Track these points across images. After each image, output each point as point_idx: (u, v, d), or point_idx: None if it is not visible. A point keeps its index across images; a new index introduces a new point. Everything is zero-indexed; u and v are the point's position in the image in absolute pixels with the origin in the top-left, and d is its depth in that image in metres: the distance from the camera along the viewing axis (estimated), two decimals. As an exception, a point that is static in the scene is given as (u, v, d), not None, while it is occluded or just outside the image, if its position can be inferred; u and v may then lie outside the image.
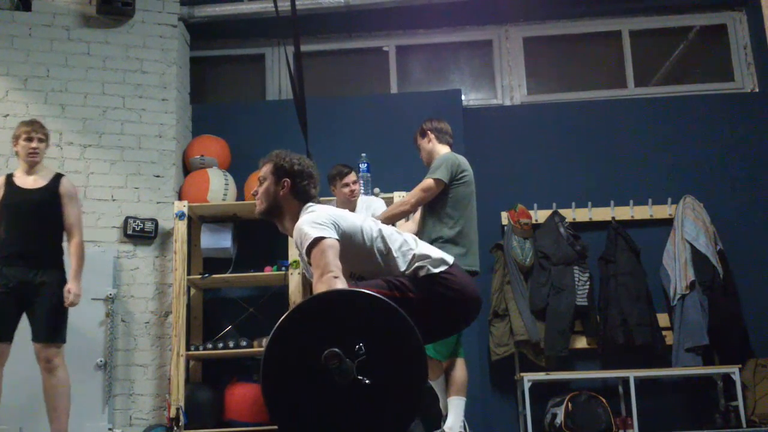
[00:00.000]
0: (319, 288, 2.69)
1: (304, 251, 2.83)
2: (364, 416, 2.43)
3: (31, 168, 4.70)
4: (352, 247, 2.91)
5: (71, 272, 4.60)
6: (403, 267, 2.96)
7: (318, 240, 2.76)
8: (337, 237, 2.82)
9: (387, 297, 2.62)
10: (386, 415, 2.45)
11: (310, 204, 3.05)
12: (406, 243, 3.02)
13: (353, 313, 2.49)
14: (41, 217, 4.62)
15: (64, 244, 4.72)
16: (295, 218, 2.99)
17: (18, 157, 4.76)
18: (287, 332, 2.45)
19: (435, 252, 3.05)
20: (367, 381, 2.37)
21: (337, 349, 2.37)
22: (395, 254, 2.97)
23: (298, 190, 3.06)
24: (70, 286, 4.55)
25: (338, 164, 5.29)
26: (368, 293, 2.54)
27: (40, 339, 4.47)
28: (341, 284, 2.68)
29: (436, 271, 2.96)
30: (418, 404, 2.52)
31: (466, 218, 4.43)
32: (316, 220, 2.85)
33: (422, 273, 2.95)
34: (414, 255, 2.98)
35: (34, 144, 4.67)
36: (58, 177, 4.75)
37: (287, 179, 3.06)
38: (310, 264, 2.82)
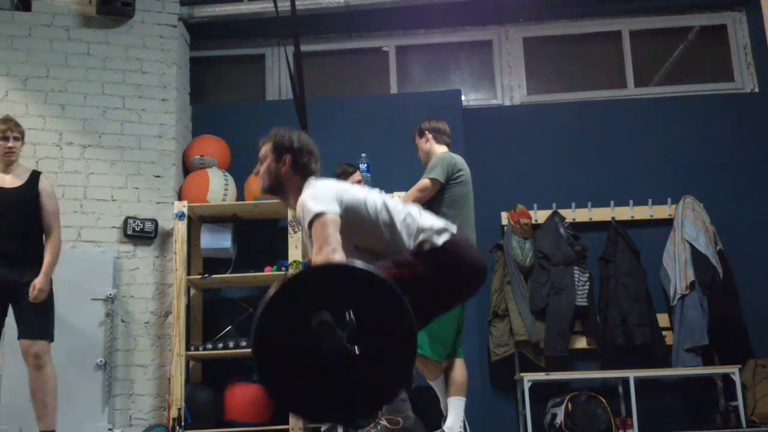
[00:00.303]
0: (316, 260, 2.70)
1: (305, 225, 2.84)
2: (351, 386, 2.43)
3: (7, 167, 4.66)
4: (356, 219, 2.91)
5: (43, 266, 4.52)
6: (407, 239, 2.96)
7: (319, 214, 2.77)
8: (338, 211, 2.82)
9: (394, 275, 2.63)
10: (373, 386, 2.46)
11: (312, 178, 3.06)
12: (410, 215, 3.02)
13: (345, 285, 2.48)
14: (22, 215, 4.59)
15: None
16: (298, 193, 3.00)
17: None
18: (280, 301, 2.46)
19: (438, 222, 3.05)
20: (356, 351, 2.37)
21: (327, 316, 2.37)
22: (399, 227, 2.96)
23: (299, 166, 3.08)
24: (37, 280, 4.46)
25: (343, 163, 5.30)
26: (362, 266, 2.54)
27: (29, 335, 4.45)
28: (339, 257, 2.69)
29: (441, 242, 2.95)
30: (406, 376, 2.53)
31: (463, 218, 4.43)
32: (318, 195, 2.85)
33: (427, 246, 2.94)
34: (418, 227, 2.98)
35: (10, 143, 4.63)
36: (35, 175, 4.72)
37: (288, 156, 3.09)
38: (311, 237, 2.84)
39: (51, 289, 4.57)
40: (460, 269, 2.99)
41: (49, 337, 4.54)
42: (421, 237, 2.96)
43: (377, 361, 2.44)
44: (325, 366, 2.39)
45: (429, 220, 3.06)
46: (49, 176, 5.06)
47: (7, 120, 4.72)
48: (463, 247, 3.04)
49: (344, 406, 2.47)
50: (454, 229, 3.07)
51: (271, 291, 2.47)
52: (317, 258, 2.70)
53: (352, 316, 2.40)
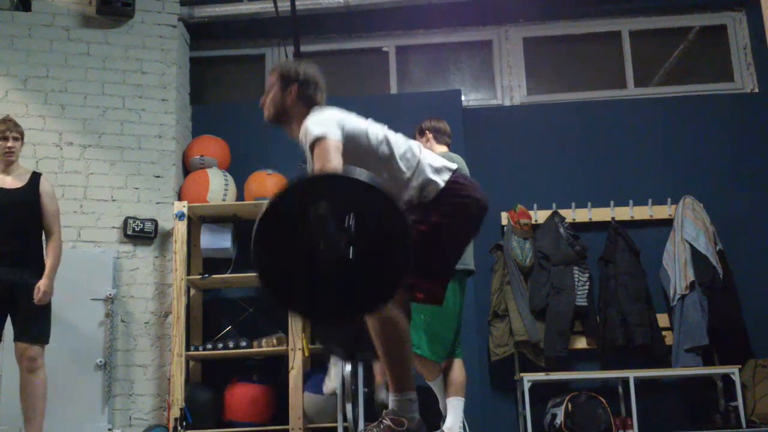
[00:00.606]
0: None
1: (307, 148, 2.84)
2: (347, 286, 2.45)
3: (7, 167, 4.67)
4: (356, 149, 2.89)
5: (46, 269, 4.55)
6: (407, 173, 2.93)
7: (320, 138, 2.76)
8: (340, 137, 2.81)
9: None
10: (368, 288, 2.48)
11: (316, 107, 3.06)
12: (411, 150, 2.99)
13: (345, 191, 2.49)
14: (23, 216, 4.60)
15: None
16: (302, 121, 2.98)
17: None
18: (281, 201, 2.48)
19: (438, 160, 3.03)
20: (352, 254, 2.38)
21: (325, 208, 2.39)
22: (398, 160, 2.94)
23: (305, 97, 3.08)
24: (42, 282, 4.48)
25: None
26: (362, 175, 2.53)
27: (26, 339, 4.46)
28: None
29: (443, 183, 2.94)
30: (400, 281, 2.54)
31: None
32: (321, 120, 2.85)
33: (432, 190, 2.93)
34: (419, 162, 2.96)
35: (9, 143, 4.63)
36: (36, 176, 4.74)
37: (294, 86, 3.08)
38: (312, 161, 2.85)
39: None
40: (468, 209, 3.00)
41: (45, 341, 4.55)
42: (422, 178, 2.93)
43: (374, 265, 2.45)
44: (322, 264, 2.40)
45: (431, 157, 3.04)
46: (49, 177, 5.05)
47: (6, 120, 4.72)
48: (466, 184, 3.04)
49: (340, 306, 2.50)
50: (453, 166, 3.05)
51: (273, 193, 2.52)
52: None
53: (351, 221, 2.40)
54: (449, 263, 3.08)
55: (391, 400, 2.78)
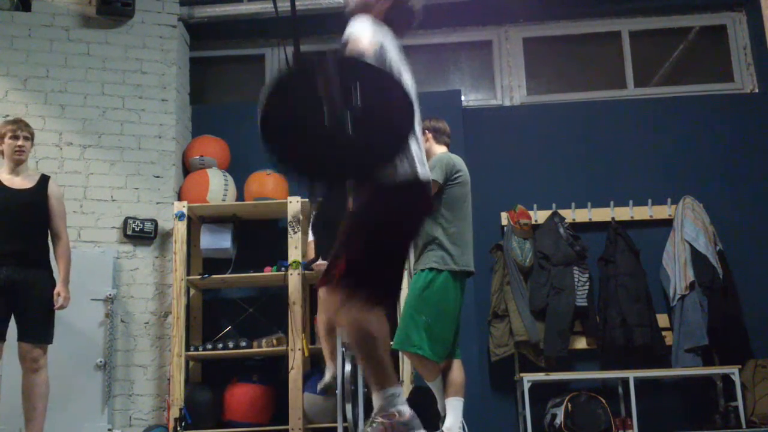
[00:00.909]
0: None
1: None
2: (349, 148, 2.48)
3: (17, 166, 4.70)
4: None
5: (61, 276, 4.62)
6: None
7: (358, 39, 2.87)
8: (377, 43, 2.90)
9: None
10: (370, 150, 2.54)
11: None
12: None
13: (351, 67, 2.56)
14: (30, 217, 4.64)
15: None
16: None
17: (2, 156, 4.74)
18: (288, 74, 2.57)
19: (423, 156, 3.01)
20: (347, 128, 2.42)
21: (332, 58, 2.44)
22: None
23: None
24: (60, 290, 4.57)
25: None
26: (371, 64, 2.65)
27: (30, 339, 4.50)
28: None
29: (422, 175, 2.88)
30: (400, 145, 2.63)
31: (462, 218, 4.43)
32: (367, 35, 2.97)
33: (409, 173, 2.86)
34: (416, 138, 2.96)
35: (20, 142, 4.67)
36: (45, 178, 4.77)
37: None
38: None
39: (51, 291, 4.60)
40: (423, 213, 2.99)
41: (48, 341, 4.59)
42: (409, 157, 2.89)
43: (375, 130, 2.50)
44: (326, 126, 2.41)
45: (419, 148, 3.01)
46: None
47: (18, 120, 4.78)
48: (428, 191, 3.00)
49: (343, 165, 2.55)
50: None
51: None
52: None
53: (356, 91, 2.44)
54: (378, 255, 2.85)
55: (376, 399, 2.78)
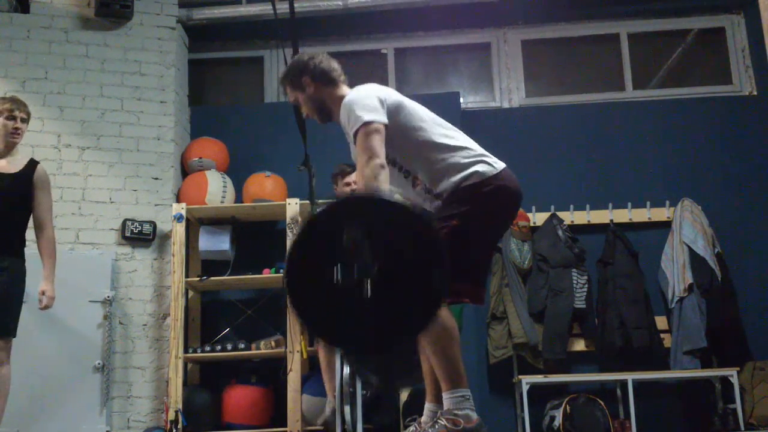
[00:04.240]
0: (365, 173, 2.67)
1: (351, 133, 2.79)
2: (380, 314, 2.38)
3: (8, 150, 4.37)
4: (397, 126, 2.85)
5: (46, 273, 4.27)
6: (443, 158, 2.87)
7: (366, 123, 2.73)
8: (385, 121, 2.77)
9: (446, 230, 2.63)
10: (401, 318, 2.40)
11: (342, 83, 3.02)
12: (449, 134, 2.95)
13: (381, 216, 2.42)
14: (11, 203, 4.29)
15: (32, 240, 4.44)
16: (339, 101, 2.93)
17: None
18: (315, 224, 2.44)
19: (473, 149, 2.96)
20: (376, 288, 2.31)
21: (359, 233, 2.32)
22: (435, 141, 2.89)
23: (320, 77, 3.02)
24: (46, 288, 4.25)
25: (341, 163, 5.31)
26: (398, 200, 2.53)
27: None
28: (385, 174, 2.67)
29: (477, 175, 2.86)
30: (435, 311, 2.45)
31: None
32: (364, 101, 2.80)
33: (468, 182, 2.85)
34: (457, 147, 2.90)
35: (17, 124, 4.34)
36: (33, 163, 4.41)
37: (303, 77, 3.03)
38: (355, 145, 2.79)
39: (24, 283, 4.28)
40: (497, 198, 2.89)
41: (10, 334, 4.19)
42: (457, 167, 2.86)
43: (407, 294, 2.38)
44: (355, 292, 2.33)
45: (468, 142, 2.97)
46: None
47: (15, 99, 4.45)
48: (495, 174, 2.92)
49: (374, 336, 2.42)
50: (490, 159, 2.95)
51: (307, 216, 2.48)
52: (366, 172, 2.67)
53: (382, 245, 2.34)
54: (480, 261, 2.92)
55: (446, 399, 2.73)
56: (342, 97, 2.93)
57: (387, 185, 2.73)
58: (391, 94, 2.92)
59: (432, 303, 2.41)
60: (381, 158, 2.68)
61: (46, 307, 4.29)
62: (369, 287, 2.32)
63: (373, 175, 2.66)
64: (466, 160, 2.89)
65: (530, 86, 7.05)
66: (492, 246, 3.04)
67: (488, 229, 2.91)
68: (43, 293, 4.26)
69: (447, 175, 2.86)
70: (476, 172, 2.86)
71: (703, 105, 6.70)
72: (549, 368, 5.94)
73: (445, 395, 2.73)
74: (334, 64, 3.06)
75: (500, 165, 2.94)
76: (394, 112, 2.85)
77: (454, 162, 2.87)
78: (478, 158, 2.91)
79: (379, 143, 2.71)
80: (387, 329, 2.41)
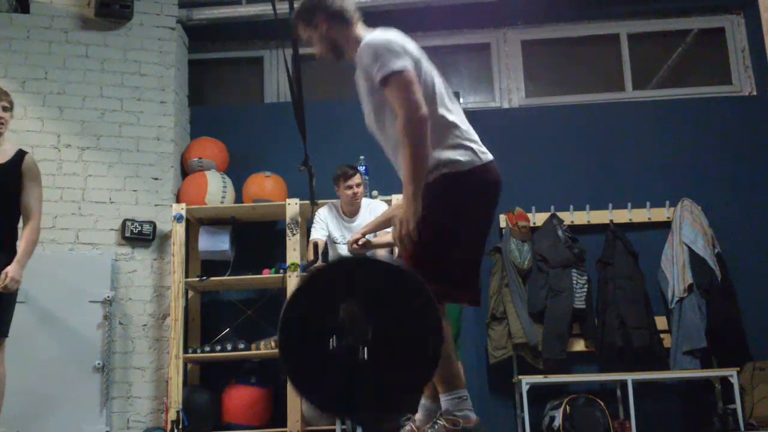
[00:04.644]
0: (409, 130, 2.52)
1: (377, 80, 2.61)
2: (374, 382, 2.36)
3: None
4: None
5: (18, 254, 4.05)
6: (441, 131, 2.68)
7: (398, 72, 2.56)
8: (413, 66, 2.61)
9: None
10: (395, 384, 2.39)
11: (360, 23, 2.85)
12: (448, 110, 2.77)
13: (371, 279, 2.40)
14: (1, 195, 4.15)
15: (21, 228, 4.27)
16: (357, 41, 2.77)
17: None
18: (306, 291, 2.41)
19: (468, 132, 2.77)
20: (370, 355, 2.31)
21: (354, 308, 2.31)
22: (438, 107, 2.69)
23: (335, 16, 2.85)
24: (11, 269, 3.98)
25: (344, 165, 5.31)
26: (394, 264, 2.47)
27: None
28: (427, 127, 2.52)
29: (459, 170, 2.67)
30: (428, 376, 2.45)
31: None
32: (392, 46, 2.63)
33: (447, 171, 2.67)
34: (453, 125, 2.71)
35: (0, 113, 4.18)
36: (21, 153, 4.25)
37: (317, 16, 2.86)
38: (377, 91, 2.61)
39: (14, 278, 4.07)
40: (476, 190, 2.71)
41: (4, 334, 4.07)
42: (448, 148, 2.67)
43: (400, 359, 2.36)
44: (349, 360, 2.32)
45: (464, 124, 2.78)
46: (47, 179, 4.89)
47: None
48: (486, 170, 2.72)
49: (367, 403, 2.40)
50: (481, 149, 2.77)
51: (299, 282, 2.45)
52: (409, 128, 2.52)
53: (375, 312, 2.33)
54: (460, 261, 2.70)
55: (443, 401, 2.68)
56: (358, 38, 2.78)
57: (428, 139, 2.56)
58: (413, 46, 2.74)
59: (426, 368, 2.39)
60: (424, 109, 2.51)
61: (7, 289, 3.97)
62: (364, 352, 2.31)
63: (418, 131, 2.50)
64: (452, 141, 2.71)
65: (530, 87, 7.05)
66: (474, 245, 2.75)
67: (464, 226, 2.69)
68: (6, 273, 3.97)
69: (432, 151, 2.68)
70: (458, 162, 2.68)
71: (703, 105, 6.70)
72: (549, 368, 5.94)
73: (442, 397, 2.69)
74: (349, 3, 2.89)
75: (487, 157, 2.76)
76: (416, 64, 2.68)
77: (441, 140, 2.70)
78: (465, 143, 2.74)
79: (419, 92, 2.54)
80: (383, 393, 2.39)
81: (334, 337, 2.32)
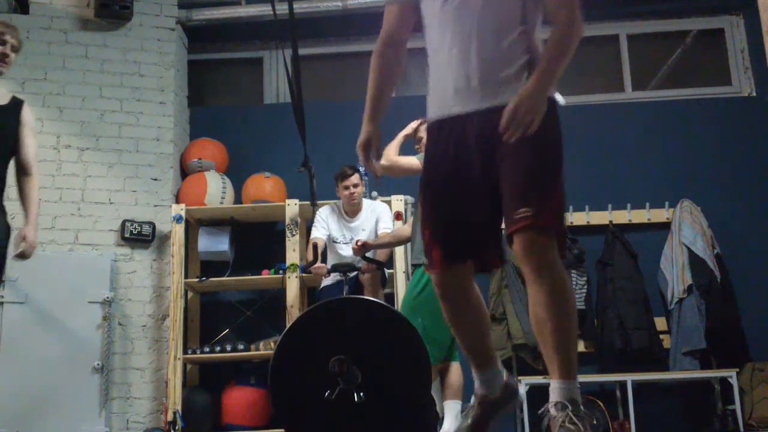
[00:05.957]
0: (576, 31, 2.35)
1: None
2: (368, 423, 2.39)
3: None
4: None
5: (30, 216, 3.71)
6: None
7: None
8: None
9: None
10: (392, 425, 2.41)
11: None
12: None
13: (363, 323, 2.43)
14: None
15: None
16: None
17: None
18: (295, 335, 2.42)
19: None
20: (363, 396, 2.33)
21: (342, 357, 2.32)
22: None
23: None
24: (27, 232, 3.66)
25: (345, 165, 5.30)
26: (382, 303, 2.47)
27: None
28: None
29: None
30: (424, 411, 2.47)
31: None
32: None
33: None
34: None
35: (6, 49, 3.82)
36: (18, 102, 3.92)
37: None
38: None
39: (7, 238, 3.70)
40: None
41: None
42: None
43: (393, 400, 2.39)
44: (341, 406, 2.34)
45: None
46: (47, 180, 4.88)
47: (5, 22, 3.92)
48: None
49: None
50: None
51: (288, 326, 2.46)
52: (577, 28, 2.36)
53: (366, 357, 2.34)
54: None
55: (562, 389, 2.31)
56: None
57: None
58: None
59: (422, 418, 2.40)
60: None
61: (23, 255, 3.67)
62: (357, 395, 2.33)
63: (578, 38, 2.35)
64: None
65: (530, 87, 7.03)
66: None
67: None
68: (23, 239, 3.65)
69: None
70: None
71: (703, 106, 6.70)
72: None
73: (560, 383, 2.28)
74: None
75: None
76: None
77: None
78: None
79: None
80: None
81: (326, 383, 2.36)
